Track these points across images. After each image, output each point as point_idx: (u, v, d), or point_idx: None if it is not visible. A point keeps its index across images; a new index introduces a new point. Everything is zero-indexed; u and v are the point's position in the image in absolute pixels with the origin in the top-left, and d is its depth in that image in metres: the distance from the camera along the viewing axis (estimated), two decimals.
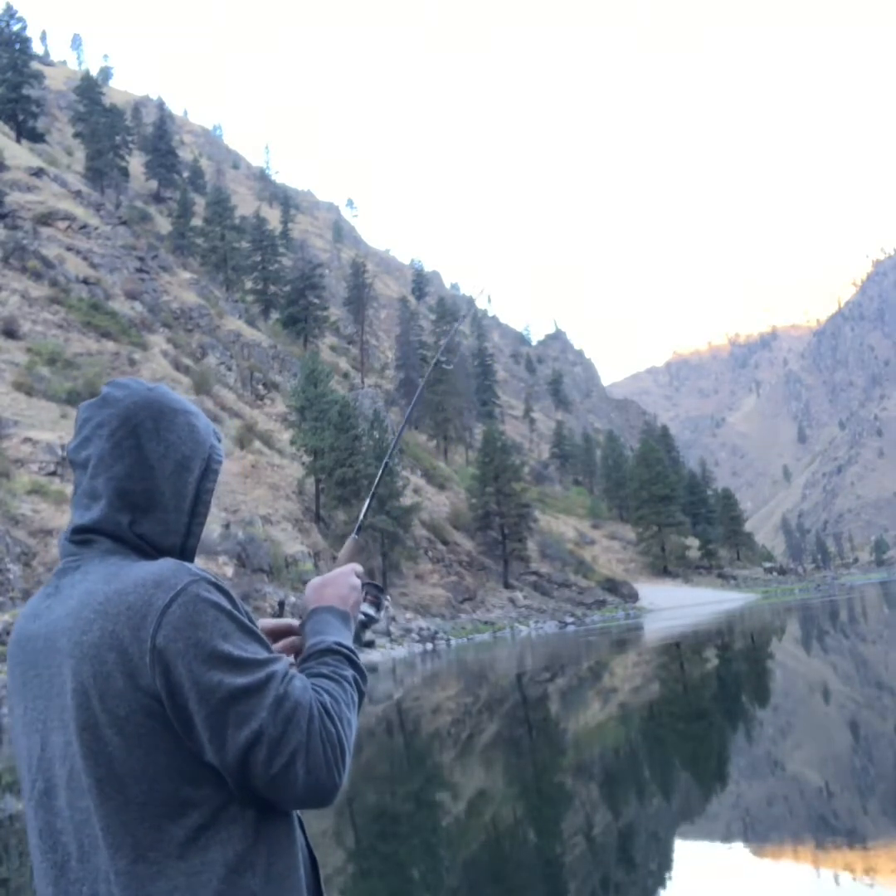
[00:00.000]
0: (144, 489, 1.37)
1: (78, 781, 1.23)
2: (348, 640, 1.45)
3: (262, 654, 1.28)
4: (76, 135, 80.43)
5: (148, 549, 1.37)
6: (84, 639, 1.24)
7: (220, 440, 1.51)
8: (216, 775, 1.24)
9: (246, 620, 1.30)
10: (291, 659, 1.49)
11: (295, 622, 1.57)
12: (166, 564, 1.29)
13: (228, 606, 1.28)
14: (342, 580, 1.54)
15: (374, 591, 1.63)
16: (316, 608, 1.49)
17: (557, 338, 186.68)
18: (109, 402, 1.40)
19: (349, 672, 1.38)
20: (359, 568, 1.60)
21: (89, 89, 79.98)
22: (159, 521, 1.38)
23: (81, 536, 1.37)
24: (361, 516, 1.83)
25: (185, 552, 1.43)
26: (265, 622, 1.57)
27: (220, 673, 1.22)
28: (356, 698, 1.37)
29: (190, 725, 1.21)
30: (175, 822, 1.21)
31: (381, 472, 1.94)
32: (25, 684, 1.33)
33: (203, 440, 1.45)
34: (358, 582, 1.56)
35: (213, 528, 33.72)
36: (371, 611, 1.62)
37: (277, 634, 1.56)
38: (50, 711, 1.27)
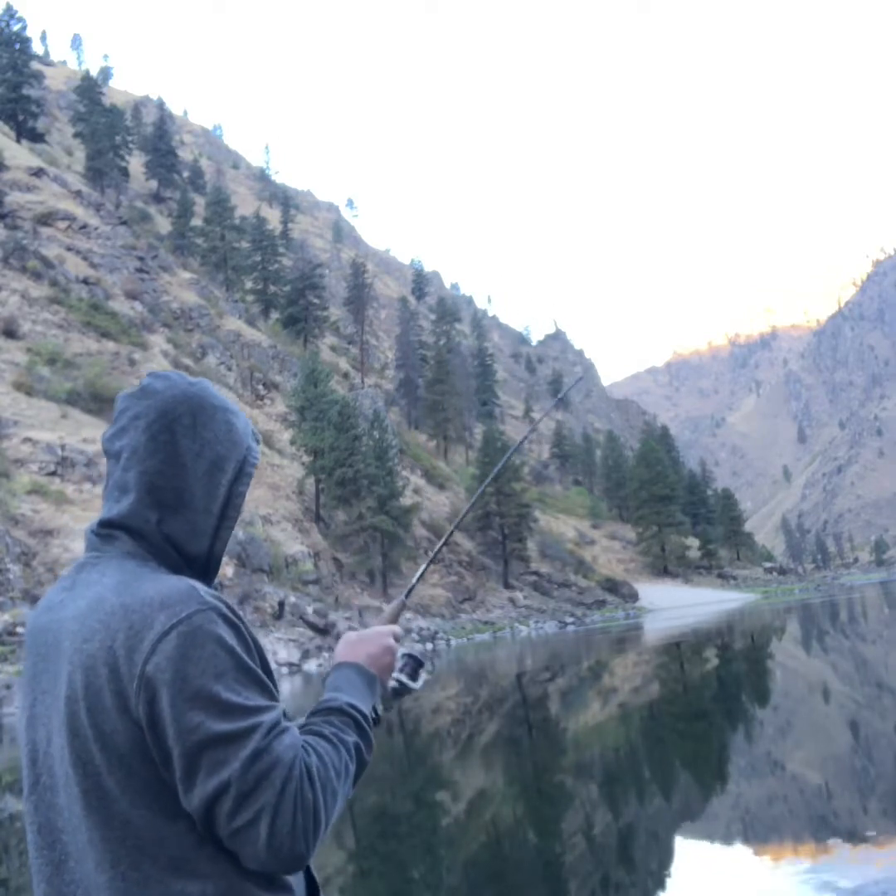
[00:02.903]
0: (175, 487, 1.32)
1: (71, 786, 1.21)
2: (365, 704, 1.36)
3: (253, 701, 1.20)
4: (76, 135, 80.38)
5: (172, 553, 1.32)
6: (84, 647, 1.21)
7: (258, 441, 1.46)
8: None
9: (247, 660, 1.22)
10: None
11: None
12: (179, 586, 1.24)
13: (231, 642, 1.21)
14: (378, 640, 1.47)
15: (413, 662, 1.55)
16: (342, 663, 1.42)
17: (557, 338, 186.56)
18: (149, 393, 1.36)
19: (352, 738, 1.30)
20: (398, 630, 1.52)
21: (89, 89, 79.91)
22: (187, 522, 1.33)
23: (106, 531, 1.33)
24: (415, 581, 1.73)
25: (212, 557, 1.38)
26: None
27: (202, 714, 1.16)
28: (352, 768, 1.29)
29: (168, 758, 1.17)
30: (155, 848, 1.18)
31: (446, 537, 1.85)
32: (36, 677, 1.30)
33: (240, 440, 1.40)
34: (395, 645, 1.48)
35: None
36: (406, 680, 1.53)
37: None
38: (54, 709, 1.25)
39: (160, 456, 1.32)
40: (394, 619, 1.61)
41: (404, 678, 1.52)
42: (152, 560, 1.31)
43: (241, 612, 1.28)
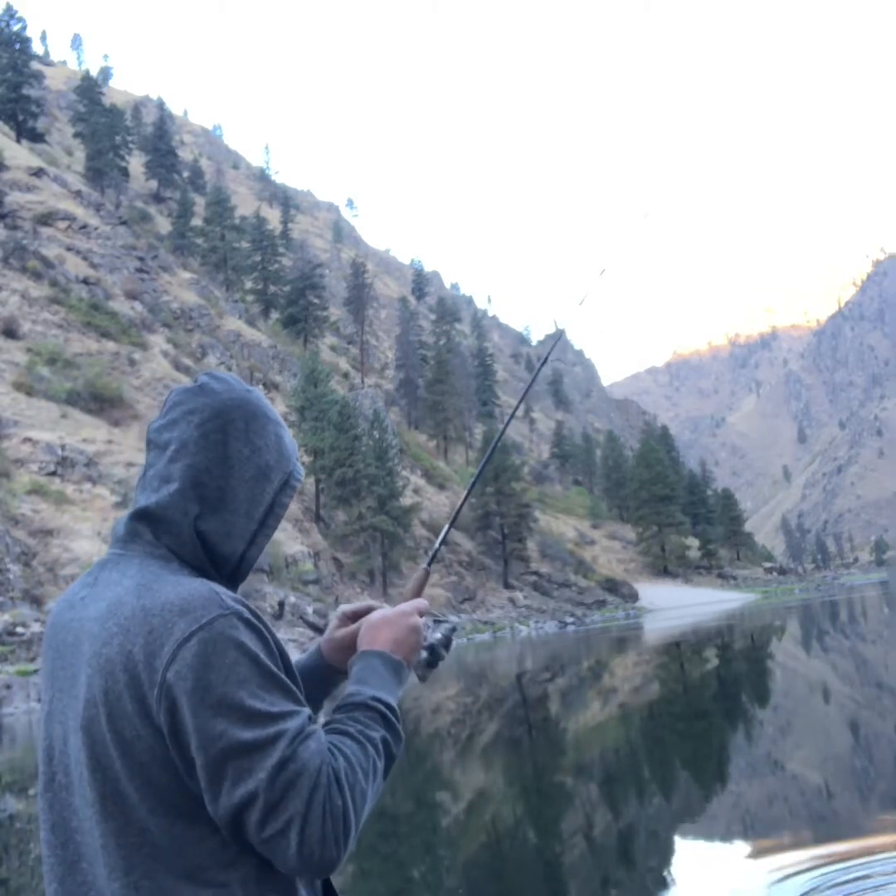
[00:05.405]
0: (219, 486, 1.31)
1: (85, 790, 1.20)
2: (391, 695, 1.33)
3: (278, 707, 1.18)
4: (76, 135, 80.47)
5: (199, 552, 1.31)
6: (103, 651, 1.20)
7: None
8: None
9: (270, 665, 1.20)
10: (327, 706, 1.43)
11: (375, 603, 1.51)
12: (200, 589, 1.22)
13: (254, 648, 1.19)
14: (402, 621, 1.42)
15: (444, 628, 1.49)
16: (366, 651, 1.39)
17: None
18: (206, 391, 1.35)
19: (379, 734, 1.27)
20: (423, 604, 1.47)
21: (89, 89, 79.95)
22: (225, 522, 1.32)
23: (132, 524, 1.32)
24: (438, 545, 1.67)
25: (244, 561, 1.37)
26: (346, 607, 1.54)
27: (226, 722, 1.14)
28: (380, 765, 1.26)
29: (191, 767, 1.16)
30: (171, 857, 1.16)
31: (458, 509, 1.80)
32: (54, 673, 1.29)
33: (288, 455, 1.40)
34: (420, 623, 1.44)
35: None
36: (438, 649, 1.47)
37: (357, 617, 1.52)
38: (70, 709, 1.24)
39: (210, 453, 1.32)
40: (418, 592, 1.56)
41: (434, 646, 1.47)
42: (175, 560, 1.29)
43: (263, 616, 1.25)
